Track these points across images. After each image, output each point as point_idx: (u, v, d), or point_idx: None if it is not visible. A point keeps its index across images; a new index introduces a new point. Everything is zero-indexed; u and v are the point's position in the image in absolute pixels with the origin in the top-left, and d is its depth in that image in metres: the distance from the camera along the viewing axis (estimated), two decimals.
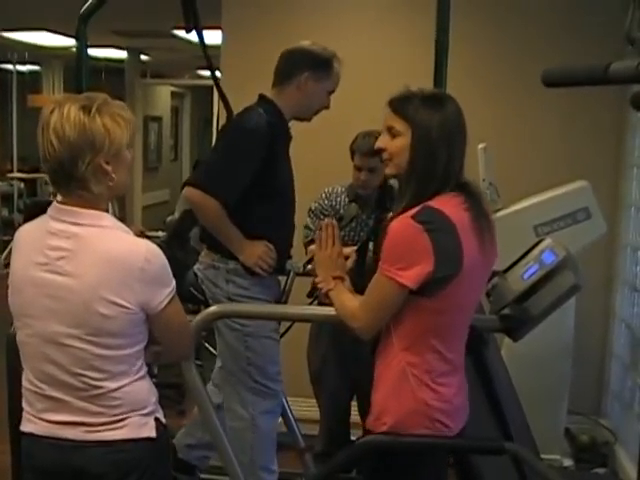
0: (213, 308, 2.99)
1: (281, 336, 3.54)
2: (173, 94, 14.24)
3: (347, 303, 2.57)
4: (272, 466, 3.49)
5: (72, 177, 2.20)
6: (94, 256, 2.19)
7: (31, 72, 13.56)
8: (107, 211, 2.28)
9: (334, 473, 2.54)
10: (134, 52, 11.48)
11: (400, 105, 2.52)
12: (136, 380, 2.32)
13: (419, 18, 4.84)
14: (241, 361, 3.37)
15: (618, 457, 4.80)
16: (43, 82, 13.54)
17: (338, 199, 3.99)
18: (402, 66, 4.81)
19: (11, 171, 12.21)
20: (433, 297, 2.37)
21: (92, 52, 11.49)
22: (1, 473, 3.50)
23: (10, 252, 2.48)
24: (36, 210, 7.76)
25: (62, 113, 2.18)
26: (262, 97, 3.42)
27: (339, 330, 3.93)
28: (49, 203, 7.94)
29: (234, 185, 3.23)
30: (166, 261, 2.29)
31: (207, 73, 14.98)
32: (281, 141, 3.36)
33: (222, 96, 3.54)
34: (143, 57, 12.20)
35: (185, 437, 3.75)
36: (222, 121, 5.20)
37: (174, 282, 2.33)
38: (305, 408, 4.41)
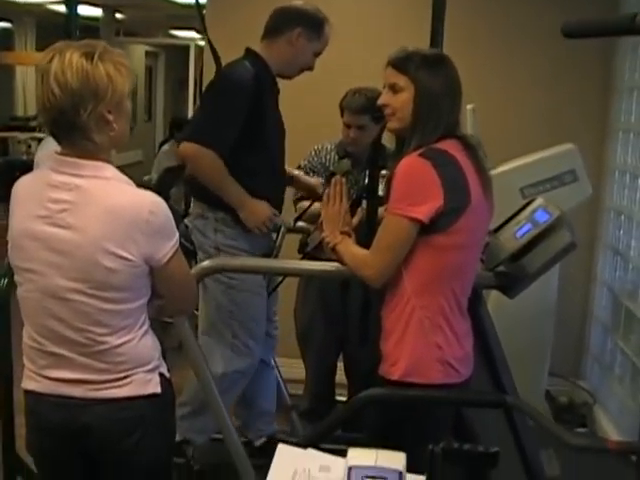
0: (207, 262, 2.95)
1: (270, 293, 3.52)
2: (147, 53, 14.13)
3: (357, 252, 2.58)
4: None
5: (74, 126, 2.13)
6: (98, 208, 2.14)
7: (3, 29, 13.36)
8: (109, 162, 2.22)
9: (333, 428, 2.53)
10: (109, 10, 11.34)
11: (401, 63, 2.56)
12: (140, 336, 2.28)
13: None
14: (224, 314, 3.36)
15: (597, 418, 4.84)
16: (15, 39, 13.36)
17: (328, 156, 3.96)
18: (392, 25, 4.80)
19: None
20: (445, 232, 2.42)
21: (65, 9, 11.32)
22: None
23: None
24: (9, 170, 7.75)
25: (63, 60, 2.10)
26: (248, 50, 3.41)
27: (327, 289, 3.96)
28: (22, 162, 7.96)
29: (224, 136, 3.21)
30: (170, 213, 2.24)
31: (181, 33, 14.92)
32: (268, 93, 3.35)
33: (214, 52, 3.49)
34: (118, 15, 12.07)
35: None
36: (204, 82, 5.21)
37: (177, 234, 2.28)
38: (292, 369, 4.39)
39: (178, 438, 3.52)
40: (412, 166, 2.42)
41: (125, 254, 2.14)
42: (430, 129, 2.48)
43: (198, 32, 13.53)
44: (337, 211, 2.69)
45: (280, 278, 3.55)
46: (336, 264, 2.72)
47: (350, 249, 2.62)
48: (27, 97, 13.75)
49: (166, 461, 2.45)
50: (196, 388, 3.29)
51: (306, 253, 3.36)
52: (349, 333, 3.97)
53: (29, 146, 12.22)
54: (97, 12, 11.25)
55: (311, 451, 2.03)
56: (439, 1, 3.14)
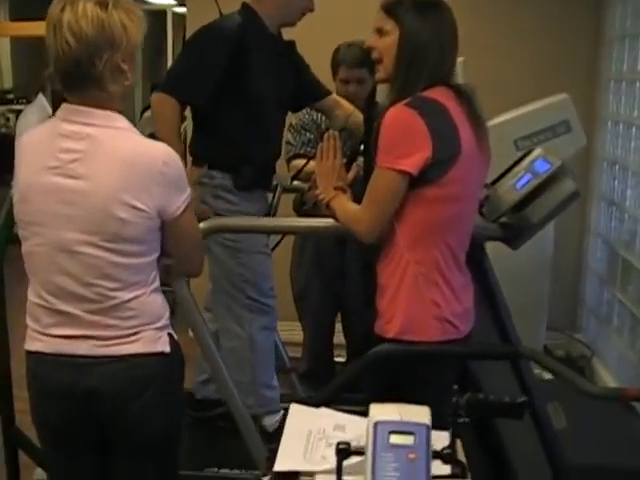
0: (205, 223, 2.86)
1: (271, 250, 3.46)
2: None
3: (350, 208, 2.52)
4: (273, 382, 3.43)
5: (89, 76, 2.06)
6: (111, 158, 2.07)
7: None
8: (121, 112, 2.15)
9: (343, 388, 2.47)
10: None
11: (391, 6, 2.47)
12: (150, 292, 2.21)
13: None
14: (234, 278, 3.29)
15: (596, 370, 4.83)
16: None
17: (319, 114, 3.87)
18: None
19: None
20: (435, 183, 2.33)
21: None
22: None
23: None
24: None
25: (76, 9, 2.03)
26: (243, 5, 3.30)
27: (323, 248, 3.91)
28: (1, 136, 7.84)
29: (195, 84, 3.12)
30: (182, 165, 2.20)
31: (157, 0, 14.70)
32: (258, 45, 3.22)
33: (217, 5, 3.41)
34: None
35: (197, 375, 3.66)
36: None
37: (189, 189, 2.23)
38: (289, 330, 4.35)
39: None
40: (398, 116, 2.33)
41: (139, 205, 2.08)
42: (413, 76, 2.38)
43: None
44: (331, 166, 2.62)
45: (278, 238, 3.49)
46: (326, 220, 2.66)
47: (343, 205, 2.55)
48: (3, 70, 13.59)
49: (177, 424, 2.37)
50: None
51: (303, 211, 3.29)
52: (347, 292, 3.92)
53: (7, 119, 12.07)
54: None
55: (324, 410, 1.98)
56: None
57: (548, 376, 4.60)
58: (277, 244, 3.53)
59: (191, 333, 2.85)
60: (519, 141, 4.02)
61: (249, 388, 3.25)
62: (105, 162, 2.06)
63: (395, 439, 1.41)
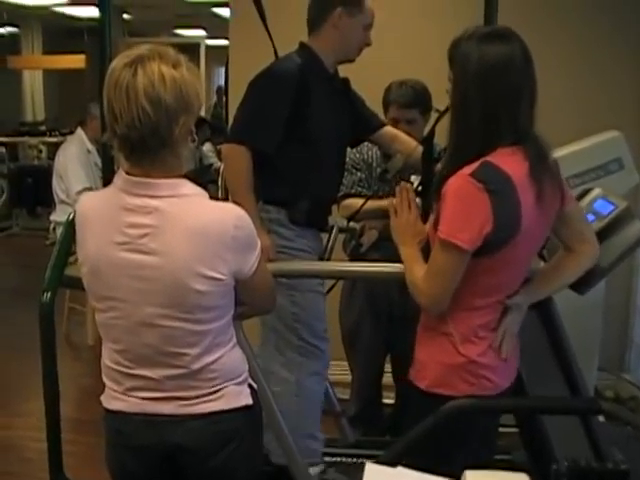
0: None
1: (326, 293, 3.40)
2: None
3: (416, 272, 2.37)
4: (317, 433, 3.34)
5: (165, 143, 2.00)
6: (181, 230, 2.00)
7: (10, 34, 13.29)
8: (182, 176, 2.08)
9: (419, 442, 2.37)
10: (117, 10, 11.25)
11: (451, 48, 2.37)
12: (230, 349, 2.19)
13: None
14: (287, 318, 3.20)
15: None
16: (22, 43, 13.30)
17: (370, 153, 3.81)
18: (434, 17, 4.64)
19: None
20: (485, 257, 2.25)
21: (73, 11, 11.33)
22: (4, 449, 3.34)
23: None
24: (20, 175, 7.76)
25: (150, 73, 1.95)
26: (301, 44, 3.28)
27: (374, 289, 3.84)
28: (33, 167, 7.95)
29: (266, 131, 3.08)
30: (251, 222, 2.13)
31: (187, 32, 14.83)
32: (318, 86, 3.19)
33: (272, 43, 3.39)
34: (125, 16, 12.01)
35: None
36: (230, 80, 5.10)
37: (259, 241, 2.18)
38: (337, 371, 4.27)
39: None
40: (462, 189, 2.20)
41: (216, 274, 2.03)
42: (462, 143, 2.29)
43: (205, 31, 13.48)
44: (406, 221, 2.50)
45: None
46: (394, 265, 2.59)
47: (412, 266, 2.41)
48: (35, 101, 13.70)
49: (257, 472, 2.35)
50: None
51: (359, 255, 3.23)
52: (397, 333, 3.85)
53: (40, 151, 12.15)
54: None
55: (403, 470, 1.89)
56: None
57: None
58: (332, 287, 3.46)
59: None
60: (571, 179, 3.96)
61: (292, 436, 3.16)
62: (176, 235, 2.00)
63: None
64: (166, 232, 2.00)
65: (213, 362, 2.12)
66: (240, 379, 2.22)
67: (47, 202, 8.92)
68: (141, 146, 2.00)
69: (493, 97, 2.25)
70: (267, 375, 3.24)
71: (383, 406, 4.16)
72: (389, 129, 3.54)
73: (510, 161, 2.24)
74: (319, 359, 3.29)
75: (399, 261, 2.48)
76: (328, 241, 3.32)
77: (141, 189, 2.03)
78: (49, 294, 2.86)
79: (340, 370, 4.22)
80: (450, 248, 2.21)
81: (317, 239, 3.34)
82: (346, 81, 3.41)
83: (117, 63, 2.00)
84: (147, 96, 1.94)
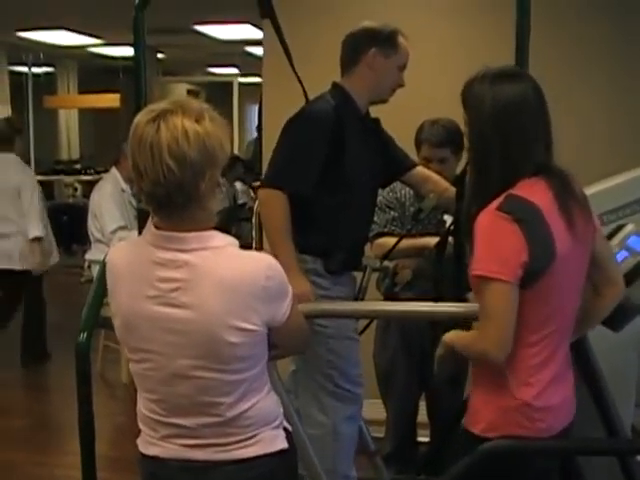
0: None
1: (359, 334, 3.39)
2: (188, 92, 14.18)
3: (464, 334, 2.38)
4: (352, 472, 3.34)
5: (192, 198, 1.99)
6: (213, 283, 2.00)
7: (46, 73, 13.49)
8: (212, 227, 2.09)
9: None
10: (151, 50, 11.38)
11: (464, 90, 2.39)
12: (265, 395, 2.18)
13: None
14: (322, 365, 3.21)
15: None
16: (58, 83, 13.48)
17: (403, 191, 3.81)
18: (466, 53, 4.66)
19: None
20: (528, 289, 2.21)
21: (108, 51, 11.48)
22: None
23: None
24: (56, 214, 7.78)
25: (173, 128, 1.94)
26: (334, 85, 3.29)
27: (408, 328, 3.83)
28: (68, 205, 8.01)
29: (303, 174, 3.08)
30: (282, 270, 2.11)
31: (219, 70, 14.98)
32: (351, 127, 3.19)
33: (302, 87, 3.42)
34: (159, 56, 12.14)
35: None
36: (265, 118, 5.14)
37: (290, 288, 2.16)
38: (371, 409, 4.25)
39: None
40: (492, 223, 2.21)
41: (248, 326, 2.02)
42: (482, 182, 2.31)
43: (238, 69, 13.61)
44: None
45: (368, 320, 3.43)
46: (429, 304, 2.59)
47: (457, 335, 2.42)
48: (71, 140, 13.86)
49: None
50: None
51: (394, 294, 3.23)
52: (431, 371, 3.82)
53: (75, 189, 12.29)
54: None
55: None
56: (522, 34, 2.98)
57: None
58: (366, 327, 3.46)
59: None
60: (605, 215, 3.94)
61: (327, 477, 3.16)
62: (207, 288, 2.00)
63: None
64: (197, 285, 2.00)
65: (248, 409, 2.11)
66: (275, 423, 2.20)
67: (82, 240, 9.01)
68: (167, 202, 1.99)
69: (508, 136, 2.28)
70: (305, 419, 3.25)
71: (418, 444, 4.13)
72: (420, 169, 3.55)
73: (534, 191, 2.26)
74: (354, 403, 3.29)
75: (432, 299, 2.49)
76: (362, 281, 3.32)
77: (171, 243, 2.03)
78: (85, 334, 2.88)
79: (375, 408, 4.20)
80: (492, 284, 2.18)
81: (351, 281, 3.35)
82: (377, 121, 3.41)
83: (140, 119, 1.99)
84: (171, 153, 1.93)
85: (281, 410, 2.25)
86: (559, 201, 2.27)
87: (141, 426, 2.22)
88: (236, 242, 2.11)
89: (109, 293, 2.17)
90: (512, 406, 2.29)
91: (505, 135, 2.28)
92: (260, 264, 2.06)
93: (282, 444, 2.20)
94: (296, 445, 2.70)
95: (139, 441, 2.23)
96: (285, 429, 2.24)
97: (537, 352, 2.30)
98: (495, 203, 2.22)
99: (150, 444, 2.19)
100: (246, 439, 2.13)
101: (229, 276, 2.01)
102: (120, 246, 2.25)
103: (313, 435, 3.18)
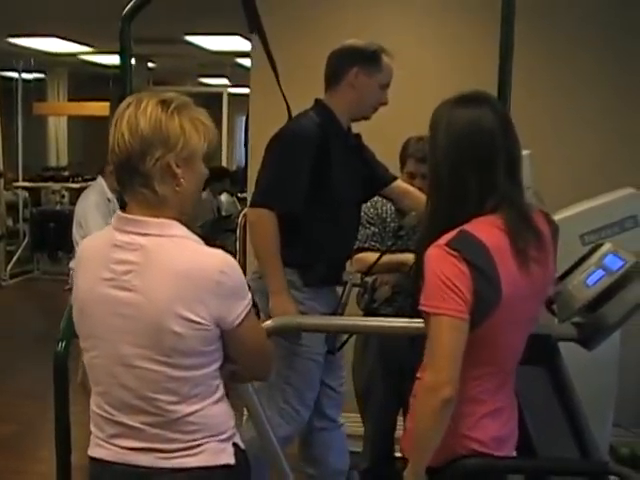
0: (270, 322, 2.81)
1: (338, 349, 3.40)
2: None
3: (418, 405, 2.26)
4: None
5: (137, 172, 2.03)
6: (164, 270, 2.01)
7: (36, 80, 13.47)
8: (179, 221, 2.10)
9: None
10: (142, 59, 11.40)
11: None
12: (213, 403, 2.14)
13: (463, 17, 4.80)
14: (278, 379, 3.21)
15: None
16: (48, 90, 13.48)
17: (384, 207, 3.83)
18: (452, 73, 4.71)
19: (16, 180, 12.04)
20: (471, 329, 2.13)
21: (99, 59, 11.45)
22: None
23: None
24: (42, 220, 7.79)
25: (139, 107, 2.03)
26: (316, 101, 3.32)
27: (387, 344, 3.84)
28: (55, 212, 7.99)
29: (292, 193, 3.11)
30: (241, 272, 2.11)
31: (210, 81, 15.00)
32: (334, 144, 3.23)
33: (286, 103, 3.44)
34: (149, 64, 12.16)
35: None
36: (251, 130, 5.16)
37: (250, 295, 2.14)
38: (349, 424, 4.25)
39: None
40: (440, 260, 2.12)
41: (195, 317, 2.00)
42: (435, 211, 2.27)
43: (229, 80, 13.62)
44: None
45: (345, 335, 3.44)
46: (407, 320, 2.60)
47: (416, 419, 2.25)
48: (59, 147, 13.85)
49: None
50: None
51: (372, 309, 3.24)
52: (409, 387, 3.83)
53: (62, 196, 12.27)
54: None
55: None
56: (506, 50, 3.01)
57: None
58: (344, 343, 3.47)
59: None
60: (585, 236, 3.98)
61: None
62: (158, 274, 2.01)
63: None
64: (148, 270, 2.01)
65: (192, 414, 2.08)
66: (223, 436, 2.16)
67: (68, 247, 8.98)
68: (120, 171, 2.07)
69: (461, 163, 2.20)
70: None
71: (395, 460, 4.14)
72: (400, 184, 3.58)
73: (488, 228, 2.17)
74: (296, 424, 3.30)
75: (411, 316, 2.48)
76: (342, 296, 3.33)
77: (130, 226, 2.06)
78: (64, 344, 2.88)
79: (353, 423, 4.21)
80: (439, 320, 2.11)
81: (331, 295, 3.36)
82: (359, 137, 3.45)
83: (123, 102, 2.10)
84: (128, 124, 2.03)
85: (232, 423, 2.20)
86: (513, 242, 2.17)
87: (92, 428, 2.20)
88: (198, 239, 2.11)
89: (74, 279, 2.19)
90: (447, 435, 2.17)
91: (455, 165, 2.21)
92: (216, 258, 2.06)
93: (228, 459, 2.14)
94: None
95: (90, 445, 2.21)
96: (236, 445, 2.19)
97: (476, 386, 2.23)
98: (446, 238, 2.14)
99: (97, 445, 2.17)
100: (189, 447, 2.10)
101: (182, 264, 2.01)
102: (92, 236, 2.26)
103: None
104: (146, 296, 2.01)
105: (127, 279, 2.03)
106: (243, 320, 2.10)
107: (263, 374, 2.43)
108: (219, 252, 2.09)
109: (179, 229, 2.08)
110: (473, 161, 2.19)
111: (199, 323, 2.01)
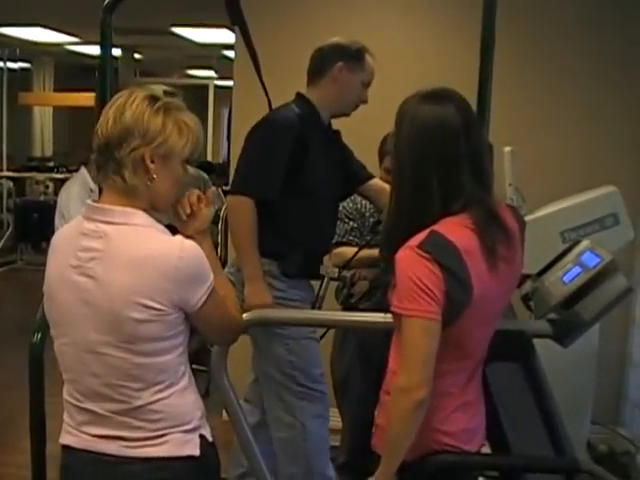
0: (247, 315, 2.81)
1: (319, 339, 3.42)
2: (165, 93, 14.10)
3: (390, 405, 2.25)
4: (328, 472, 3.36)
5: (112, 158, 2.07)
6: (124, 257, 2.04)
7: (22, 69, 13.41)
8: (144, 210, 2.13)
9: None
10: (128, 50, 11.37)
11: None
12: (179, 391, 2.15)
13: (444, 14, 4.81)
14: (284, 366, 3.24)
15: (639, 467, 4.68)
16: (34, 80, 13.42)
17: (363, 202, 3.84)
18: (437, 69, 4.71)
19: (0, 170, 12.02)
20: (442, 329, 2.12)
21: (85, 49, 11.39)
22: None
23: None
24: (26, 211, 7.71)
25: (129, 98, 2.09)
26: (298, 95, 3.34)
27: (365, 337, 3.84)
28: (39, 203, 7.96)
29: (268, 180, 3.14)
30: (202, 254, 2.12)
31: (198, 72, 14.96)
32: (314, 137, 3.25)
33: (267, 96, 3.45)
34: (136, 56, 12.12)
35: (235, 468, 3.59)
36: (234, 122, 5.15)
37: (212, 276, 2.14)
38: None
39: None
40: (411, 262, 2.11)
41: (154, 304, 2.03)
42: (398, 211, 2.23)
43: (215, 72, 13.60)
44: None
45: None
46: (384, 315, 2.60)
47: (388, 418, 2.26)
48: (44, 138, 13.80)
49: None
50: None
51: (350, 304, 3.25)
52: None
53: (47, 186, 12.23)
54: (116, 52, 11.25)
55: None
56: (487, 43, 3.02)
57: None
58: (323, 336, 3.47)
59: (225, 416, 2.78)
60: (566, 233, 3.99)
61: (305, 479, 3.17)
62: (117, 262, 2.04)
63: None
64: (109, 258, 2.05)
65: (156, 401, 2.10)
66: (188, 427, 2.16)
67: (51, 238, 8.96)
68: (98, 155, 2.11)
69: (423, 162, 2.17)
70: (274, 423, 3.28)
71: (373, 454, 4.13)
72: (377, 182, 3.59)
73: (458, 230, 2.16)
74: (320, 401, 3.34)
75: (389, 310, 2.48)
76: (319, 290, 3.34)
77: (97, 214, 2.10)
78: (39, 335, 2.89)
79: (331, 417, 4.21)
80: (410, 321, 2.11)
81: (309, 288, 3.38)
82: (338, 133, 3.48)
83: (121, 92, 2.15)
84: (114, 112, 2.09)
85: (199, 414, 2.20)
86: (483, 241, 2.16)
87: (64, 415, 2.22)
88: (164, 229, 2.13)
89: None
90: (421, 430, 2.18)
91: (418, 162, 2.18)
92: (174, 244, 2.08)
93: (192, 450, 2.15)
94: (249, 457, 2.70)
95: (61, 433, 2.23)
96: (203, 437, 2.19)
97: (446, 380, 2.23)
98: (417, 239, 2.13)
99: (67, 432, 2.20)
100: (154, 437, 2.11)
101: (140, 252, 2.05)
102: (65, 226, 2.27)
103: (283, 438, 3.22)
104: (105, 284, 2.04)
105: (90, 266, 2.07)
106: (206, 301, 2.13)
107: (229, 340, 2.51)
108: (178, 238, 2.12)
109: (143, 218, 2.11)
110: (437, 157, 2.17)
111: (159, 310, 2.04)
